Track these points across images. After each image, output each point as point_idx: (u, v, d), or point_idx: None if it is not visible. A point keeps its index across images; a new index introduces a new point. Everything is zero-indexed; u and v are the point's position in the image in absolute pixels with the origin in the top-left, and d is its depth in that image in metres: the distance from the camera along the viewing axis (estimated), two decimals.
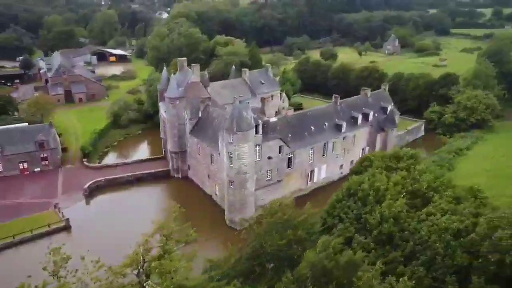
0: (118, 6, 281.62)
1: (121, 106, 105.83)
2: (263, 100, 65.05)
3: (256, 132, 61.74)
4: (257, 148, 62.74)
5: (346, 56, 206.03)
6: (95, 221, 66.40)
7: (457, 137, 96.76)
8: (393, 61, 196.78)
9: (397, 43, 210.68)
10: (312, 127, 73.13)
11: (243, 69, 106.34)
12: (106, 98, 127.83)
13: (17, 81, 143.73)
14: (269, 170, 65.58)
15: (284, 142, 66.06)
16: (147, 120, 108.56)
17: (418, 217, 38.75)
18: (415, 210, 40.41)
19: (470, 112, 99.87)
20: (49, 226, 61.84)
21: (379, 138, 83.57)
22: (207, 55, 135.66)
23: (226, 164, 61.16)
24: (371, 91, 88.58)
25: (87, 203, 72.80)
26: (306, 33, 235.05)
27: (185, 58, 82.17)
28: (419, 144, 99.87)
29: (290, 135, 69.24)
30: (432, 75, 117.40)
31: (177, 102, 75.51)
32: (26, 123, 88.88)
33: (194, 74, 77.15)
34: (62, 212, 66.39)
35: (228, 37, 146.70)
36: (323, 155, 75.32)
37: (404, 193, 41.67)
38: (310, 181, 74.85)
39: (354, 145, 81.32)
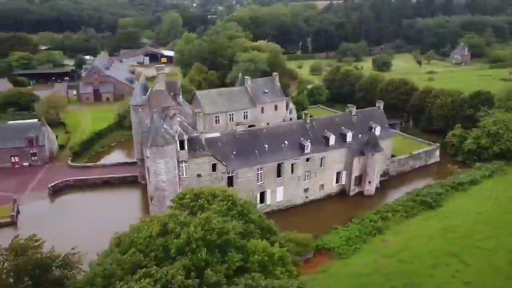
0: (187, 9, 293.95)
1: (127, 108, 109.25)
2: (194, 113, 61.41)
3: (182, 148, 58.80)
4: (184, 164, 59.69)
5: (403, 65, 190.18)
6: (46, 220, 68.99)
7: (474, 167, 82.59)
8: (456, 72, 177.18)
9: (466, 51, 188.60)
10: (266, 146, 67.59)
11: (245, 77, 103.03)
12: None
13: (67, 78, 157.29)
14: None
15: (218, 160, 61.95)
16: None
17: None
18: None
19: (493, 139, 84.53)
20: None
21: (356, 162, 74.36)
22: (230, 60, 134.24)
23: (147, 179, 59.26)
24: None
25: (52, 201, 76.15)
26: (368, 38, 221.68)
27: (163, 65, 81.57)
28: (429, 171, 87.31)
29: (234, 153, 64.80)
30: (465, 92, 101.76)
31: (140, 110, 75.31)
32: (36, 120, 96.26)
33: (158, 82, 76.24)
34: (18, 207, 70.34)
35: (256, 43, 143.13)
36: (279, 177, 69.22)
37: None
38: (261, 203, 69.29)
39: (324, 168, 73.44)
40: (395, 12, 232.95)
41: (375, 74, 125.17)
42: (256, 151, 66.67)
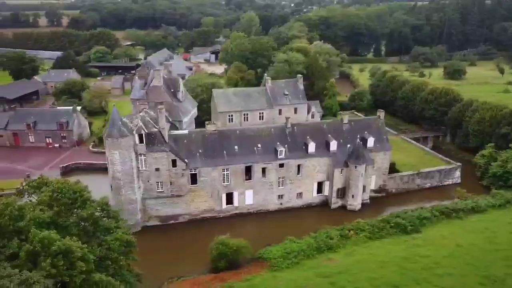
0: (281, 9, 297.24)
1: None
2: (159, 110, 62.68)
3: (141, 142, 61.61)
4: (142, 157, 62.44)
5: (484, 73, 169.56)
6: None
7: (490, 193, 71.92)
8: None
9: None
10: (236, 147, 67.05)
11: (266, 78, 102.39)
12: None
13: (133, 72, 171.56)
14: (159, 182, 64.15)
15: (178, 156, 63.39)
16: None
17: None
18: None
19: None
20: (3, 190, 75.98)
21: (337, 173, 69.59)
22: (270, 61, 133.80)
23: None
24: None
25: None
26: (450, 42, 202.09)
27: (159, 69, 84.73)
28: (443, 193, 77.76)
29: (200, 151, 65.65)
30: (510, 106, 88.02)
31: (137, 103, 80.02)
32: (71, 107, 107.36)
33: (155, 78, 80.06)
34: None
35: (303, 45, 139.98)
36: (248, 179, 68.16)
37: None
38: (228, 204, 69.01)
39: (303, 176, 70.19)
40: (486, 14, 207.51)
41: (418, 82, 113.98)
42: (224, 152, 66.56)
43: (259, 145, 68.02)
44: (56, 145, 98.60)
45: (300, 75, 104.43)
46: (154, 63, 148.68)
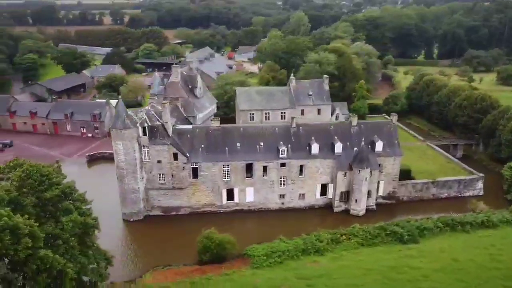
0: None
1: None
2: (163, 105, 64.79)
3: (144, 134, 64.53)
4: (145, 149, 65.30)
5: None
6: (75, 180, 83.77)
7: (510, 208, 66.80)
8: None
9: None
10: (239, 144, 67.91)
11: (291, 77, 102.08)
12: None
13: None
14: (161, 174, 66.67)
15: (179, 150, 65.49)
16: None
17: None
18: None
19: None
20: None
21: (340, 176, 67.94)
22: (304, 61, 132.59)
23: None
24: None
25: (89, 167, 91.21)
26: (511, 46, 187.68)
27: (177, 66, 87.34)
28: (462, 205, 73.04)
29: (202, 146, 67.33)
30: None
31: (156, 98, 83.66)
32: (114, 101, 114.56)
33: (173, 74, 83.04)
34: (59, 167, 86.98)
35: (339, 45, 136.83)
36: (249, 177, 68.72)
37: None
38: (229, 200, 70.01)
39: (305, 177, 69.42)
40: None
41: (455, 87, 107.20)
42: (226, 148, 67.67)
43: (262, 143, 68.30)
44: (90, 134, 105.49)
45: (326, 76, 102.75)
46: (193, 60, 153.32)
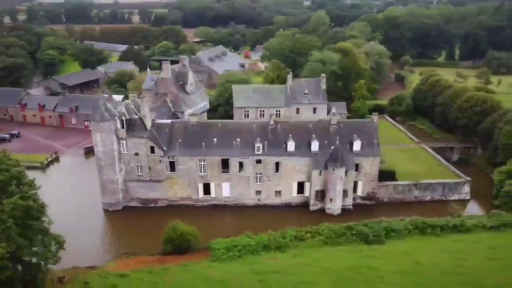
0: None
1: None
2: (142, 99, 66.46)
3: (122, 127, 66.58)
4: (123, 142, 67.33)
5: None
6: (72, 170, 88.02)
7: (490, 214, 64.49)
8: None
9: None
10: (215, 139, 68.81)
11: (288, 76, 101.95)
12: None
13: None
14: (139, 166, 68.53)
15: (157, 144, 67.09)
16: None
17: None
18: None
19: None
20: (29, 163, 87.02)
21: (315, 175, 67.51)
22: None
23: None
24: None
25: (86, 158, 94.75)
26: None
27: (168, 62, 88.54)
28: (444, 209, 70.77)
29: (180, 140, 68.70)
30: None
31: (147, 93, 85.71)
32: (121, 96, 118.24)
33: (163, 70, 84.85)
34: (53, 158, 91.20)
35: (346, 44, 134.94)
36: (225, 172, 69.48)
37: None
38: (206, 194, 71.02)
39: (281, 174, 69.45)
40: None
41: (459, 88, 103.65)
42: (203, 143, 68.74)
43: (238, 139, 68.89)
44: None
45: (323, 75, 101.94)
46: (204, 58, 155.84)
